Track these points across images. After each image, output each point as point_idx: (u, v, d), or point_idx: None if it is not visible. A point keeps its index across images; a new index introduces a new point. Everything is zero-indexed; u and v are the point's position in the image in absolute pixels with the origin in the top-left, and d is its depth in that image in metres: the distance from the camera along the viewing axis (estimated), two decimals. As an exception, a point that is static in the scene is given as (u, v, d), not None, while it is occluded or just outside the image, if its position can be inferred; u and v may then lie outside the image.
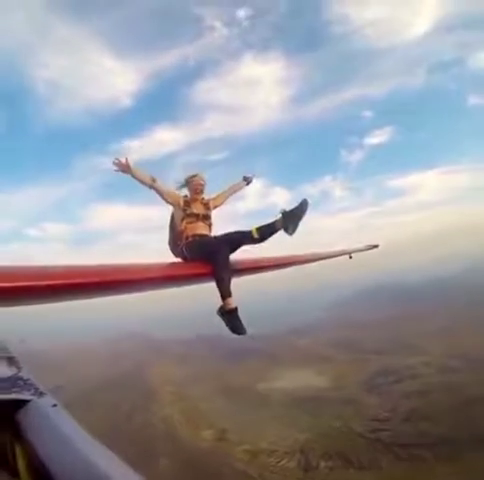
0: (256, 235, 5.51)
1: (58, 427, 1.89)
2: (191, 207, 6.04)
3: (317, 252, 8.45)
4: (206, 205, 6.32)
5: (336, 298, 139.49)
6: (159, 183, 5.76)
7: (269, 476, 42.30)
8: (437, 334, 74.81)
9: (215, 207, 6.47)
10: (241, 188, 7.06)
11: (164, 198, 5.93)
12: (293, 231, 5.50)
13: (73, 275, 3.39)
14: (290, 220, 5.46)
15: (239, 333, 5.10)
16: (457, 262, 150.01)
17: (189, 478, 43.08)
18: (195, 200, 6.19)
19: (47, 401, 2.24)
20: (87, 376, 78.04)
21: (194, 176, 6.29)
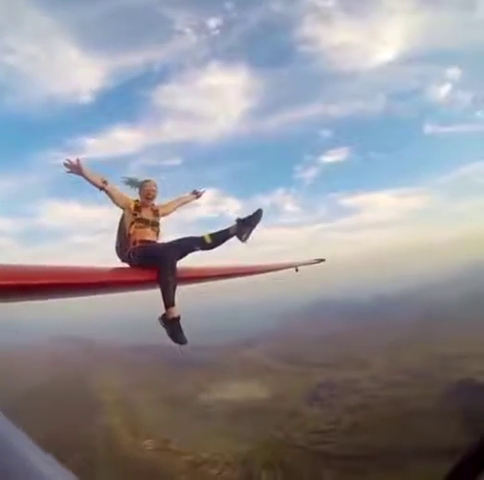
0: (209, 240, 5.69)
1: (5, 438, 1.55)
2: (141, 212, 6.01)
3: (264, 264, 8.66)
4: (155, 212, 6.30)
5: (284, 311, 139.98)
6: (110, 186, 5.72)
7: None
8: (382, 349, 76.30)
9: (164, 215, 6.46)
10: (190, 201, 7.10)
11: (115, 201, 5.88)
12: (246, 238, 5.75)
13: (15, 276, 3.19)
14: (244, 227, 5.71)
15: (180, 342, 5.14)
16: (406, 281, 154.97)
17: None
18: (146, 206, 6.16)
19: None
20: (23, 379, 74.16)
21: (147, 181, 6.29)
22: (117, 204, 5.91)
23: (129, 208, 5.92)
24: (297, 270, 9.20)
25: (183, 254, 5.63)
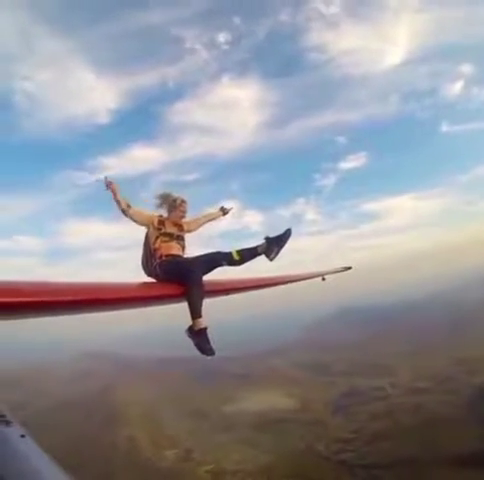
0: (237, 257, 5.65)
1: (26, 459, 1.74)
2: (166, 226, 6.02)
3: (290, 274, 8.50)
4: (180, 227, 6.29)
5: (308, 320, 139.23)
6: (132, 210, 5.77)
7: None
8: (406, 356, 75.15)
9: (189, 231, 6.46)
10: (217, 217, 7.06)
11: (138, 223, 5.94)
12: (274, 257, 5.74)
13: (43, 292, 3.28)
14: (273, 246, 5.71)
15: (207, 354, 5.08)
16: (428, 286, 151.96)
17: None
18: (169, 220, 6.16)
19: (15, 431, 2.06)
20: (50, 394, 75.96)
21: (182, 201, 6.27)
22: (141, 224, 5.98)
23: (153, 224, 5.95)
24: (324, 279, 9.06)
25: (210, 269, 5.66)
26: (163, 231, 5.94)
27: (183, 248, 6.16)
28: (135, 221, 5.86)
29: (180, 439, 56.08)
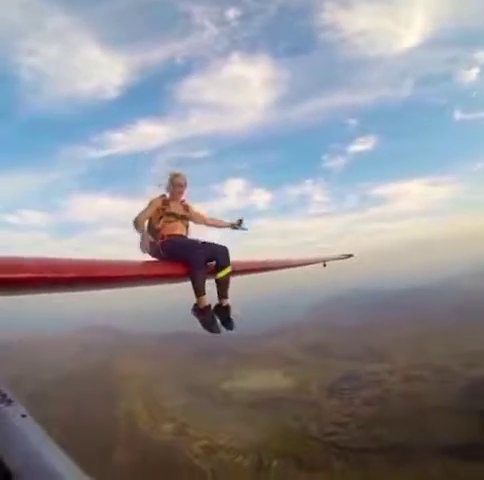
0: (220, 275, 5.57)
1: (26, 439, 1.75)
2: (170, 206, 5.95)
3: (291, 259, 8.54)
4: (185, 207, 6.21)
5: (312, 302, 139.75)
6: (138, 219, 5.72)
7: (221, 472, 42.64)
8: (406, 342, 75.51)
9: (192, 219, 6.27)
10: (223, 227, 6.78)
11: (147, 216, 5.81)
12: None
13: (46, 268, 3.29)
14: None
15: (212, 331, 5.18)
16: (435, 273, 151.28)
17: (144, 469, 43.47)
18: (174, 199, 6.08)
19: (16, 410, 2.03)
20: (53, 367, 77.60)
21: (177, 176, 6.10)
22: (151, 215, 5.82)
23: (157, 206, 5.83)
24: (325, 265, 9.12)
25: (209, 259, 5.53)
26: (167, 211, 5.90)
27: (187, 227, 6.15)
28: (147, 219, 5.78)
29: (177, 414, 57.32)
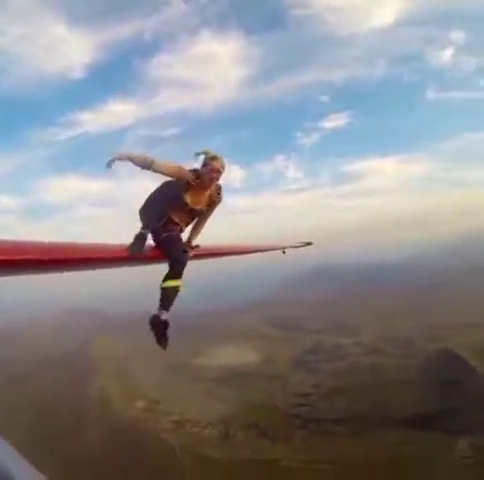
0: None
1: None
2: (193, 192, 5.10)
3: (252, 244, 8.45)
4: (211, 202, 5.31)
5: (284, 277, 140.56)
6: (157, 162, 4.73)
7: (188, 444, 43.73)
8: (373, 317, 77.04)
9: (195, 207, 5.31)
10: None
11: (169, 174, 4.90)
12: None
13: (20, 251, 2.98)
14: None
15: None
16: (407, 249, 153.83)
17: (115, 444, 44.19)
18: (201, 188, 5.08)
19: None
20: (32, 350, 77.58)
21: (214, 158, 4.98)
22: (174, 176, 4.93)
23: (183, 177, 4.95)
24: (284, 252, 8.56)
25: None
26: (185, 199, 5.06)
27: (191, 220, 5.39)
28: (163, 173, 4.84)
29: (149, 391, 58.12)
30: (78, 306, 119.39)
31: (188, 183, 4.93)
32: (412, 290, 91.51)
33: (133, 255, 4.53)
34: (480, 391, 44.24)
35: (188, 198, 5.01)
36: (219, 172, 4.96)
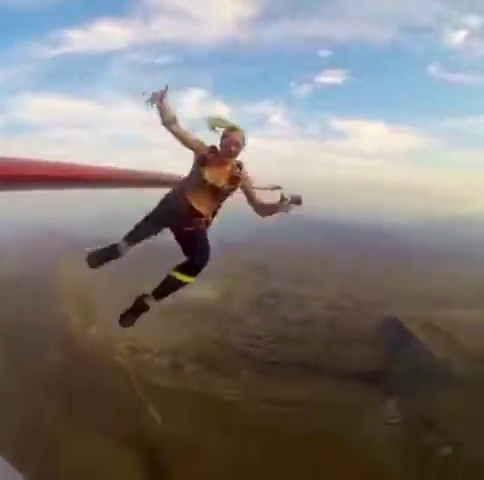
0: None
1: None
2: (211, 168, 4.92)
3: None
4: (235, 179, 5.11)
5: (260, 226, 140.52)
6: (179, 125, 4.68)
7: (141, 371, 44.94)
8: (341, 275, 77.20)
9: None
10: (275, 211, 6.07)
11: (186, 143, 4.80)
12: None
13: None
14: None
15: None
16: (381, 216, 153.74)
17: (73, 368, 45.13)
18: (220, 163, 4.93)
19: None
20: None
21: (233, 130, 4.80)
22: (189, 147, 4.87)
23: (202, 149, 4.88)
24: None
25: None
26: (203, 177, 4.95)
27: (217, 208, 5.61)
28: (181, 139, 4.74)
29: (107, 317, 58.61)
30: (45, 228, 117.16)
31: (204, 157, 4.81)
32: (383, 256, 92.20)
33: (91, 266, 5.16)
34: (415, 359, 44.78)
35: (206, 173, 4.87)
36: (238, 145, 4.80)
